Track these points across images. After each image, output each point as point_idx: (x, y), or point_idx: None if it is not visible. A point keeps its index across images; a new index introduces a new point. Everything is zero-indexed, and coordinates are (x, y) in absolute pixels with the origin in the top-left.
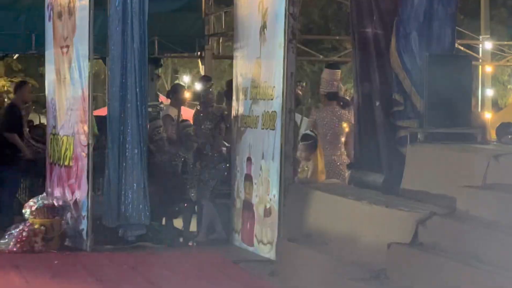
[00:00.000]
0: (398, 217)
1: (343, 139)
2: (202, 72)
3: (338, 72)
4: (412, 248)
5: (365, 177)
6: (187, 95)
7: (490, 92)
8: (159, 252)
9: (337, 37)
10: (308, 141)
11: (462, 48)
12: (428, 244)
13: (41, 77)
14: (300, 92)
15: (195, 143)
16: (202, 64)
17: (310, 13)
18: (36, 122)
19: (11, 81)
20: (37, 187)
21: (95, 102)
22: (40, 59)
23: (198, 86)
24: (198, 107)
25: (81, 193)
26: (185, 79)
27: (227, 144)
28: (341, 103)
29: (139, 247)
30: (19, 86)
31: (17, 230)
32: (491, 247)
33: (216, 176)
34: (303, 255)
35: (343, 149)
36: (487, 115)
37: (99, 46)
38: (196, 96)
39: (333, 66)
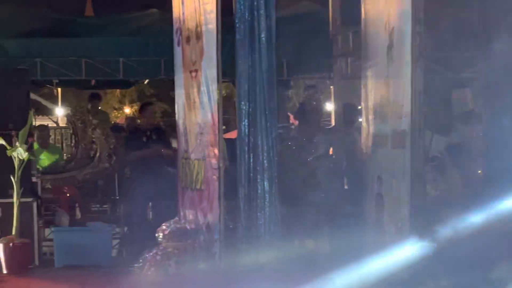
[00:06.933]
0: None
1: None
2: (332, 93)
3: (466, 90)
4: None
5: None
6: None
7: None
8: (291, 274)
9: (467, 54)
10: (433, 162)
11: None
12: None
13: (172, 101)
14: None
15: None
16: (331, 85)
17: (440, 29)
18: None
19: None
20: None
21: (228, 123)
22: (171, 84)
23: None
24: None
25: (213, 216)
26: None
27: None
28: None
29: (272, 269)
30: (141, 108)
31: (151, 254)
32: None
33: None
34: None
35: None
36: None
37: (228, 69)
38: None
39: (461, 85)
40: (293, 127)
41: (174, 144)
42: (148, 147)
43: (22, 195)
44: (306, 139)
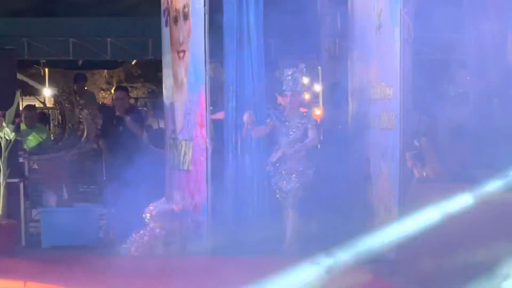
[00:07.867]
0: None
1: None
2: (320, 74)
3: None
4: None
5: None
6: (307, 96)
7: None
8: (278, 255)
9: (455, 35)
10: (412, 151)
11: None
12: None
13: (160, 82)
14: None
15: None
16: (319, 66)
17: (427, 11)
18: (155, 127)
19: (131, 87)
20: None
21: (216, 104)
22: (158, 64)
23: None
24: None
25: (201, 197)
26: (304, 80)
27: None
28: None
29: (262, 250)
30: (115, 92)
31: (138, 235)
32: None
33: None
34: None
35: None
36: None
37: (215, 50)
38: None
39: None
40: (281, 108)
41: (162, 124)
42: (119, 130)
43: (9, 175)
44: (283, 121)
